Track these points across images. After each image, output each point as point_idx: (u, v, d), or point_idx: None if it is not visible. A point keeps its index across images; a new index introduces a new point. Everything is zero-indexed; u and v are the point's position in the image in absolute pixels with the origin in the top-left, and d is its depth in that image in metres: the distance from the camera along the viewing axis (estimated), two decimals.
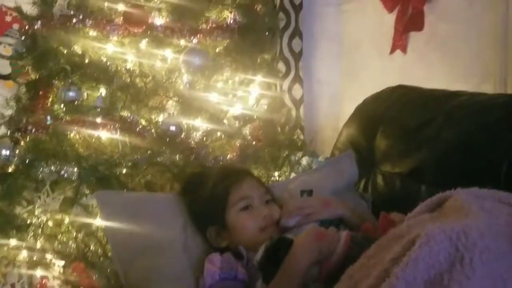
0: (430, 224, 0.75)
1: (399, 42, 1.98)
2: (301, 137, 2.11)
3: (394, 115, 1.50)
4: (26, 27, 1.72)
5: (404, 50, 1.98)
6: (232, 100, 1.75)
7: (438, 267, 0.67)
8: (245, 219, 1.15)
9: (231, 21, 1.70)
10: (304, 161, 1.92)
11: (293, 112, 2.25)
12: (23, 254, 1.71)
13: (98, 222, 1.49)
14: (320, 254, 0.97)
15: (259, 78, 1.82)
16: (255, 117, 1.79)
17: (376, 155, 1.49)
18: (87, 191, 1.52)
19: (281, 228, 1.15)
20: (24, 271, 2.07)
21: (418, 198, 1.19)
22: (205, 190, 1.20)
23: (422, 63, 1.92)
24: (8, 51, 2.44)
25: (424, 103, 1.45)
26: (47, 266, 1.82)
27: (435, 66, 1.86)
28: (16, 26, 2.44)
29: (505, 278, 0.69)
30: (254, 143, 1.77)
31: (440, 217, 0.84)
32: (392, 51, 2.00)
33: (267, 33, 1.90)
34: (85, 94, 1.59)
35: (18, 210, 1.58)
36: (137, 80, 1.61)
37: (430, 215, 0.89)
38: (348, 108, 1.87)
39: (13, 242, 1.64)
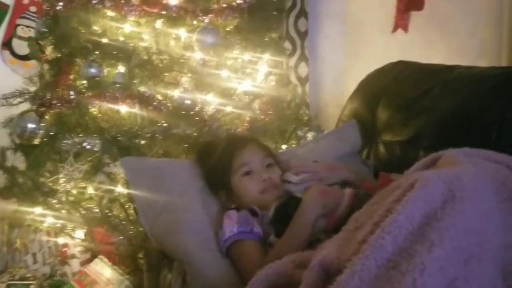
0: (427, 171, 0.86)
1: (401, 21, 2.07)
2: (307, 112, 2.20)
3: (395, 88, 1.60)
4: (48, 8, 1.81)
5: (405, 28, 2.07)
6: (241, 77, 1.85)
7: (433, 204, 0.78)
8: (246, 183, 1.24)
9: (241, 1, 1.79)
10: (310, 135, 2.03)
11: (299, 89, 2.35)
12: (47, 222, 1.83)
13: (120, 188, 1.62)
14: (326, 207, 1.08)
15: (267, 56, 1.91)
16: (263, 93, 1.89)
17: (378, 126, 1.59)
18: (108, 161, 1.63)
19: (284, 187, 1.24)
20: (45, 239, 2.20)
21: None
22: (213, 158, 1.30)
23: (422, 41, 2.01)
24: (25, 33, 2.53)
25: (423, 76, 1.55)
26: (68, 234, 1.95)
27: (434, 43, 1.95)
28: (33, 8, 2.54)
29: (489, 214, 0.81)
30: (262, 117, 1.86)
31: (433, 170, 0.95)
32: (394, 29, 2.09)
33: (274, 13, 1.98)
34: (105, 71, 1.68)
35: (44, 179, 1.70)
36: (154, 57, 1.70)
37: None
38: (352, 86, 1.96)
39: (37, 210, 1.77)
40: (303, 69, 2.42)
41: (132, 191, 1.29)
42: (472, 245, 0.78)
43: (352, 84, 1.96)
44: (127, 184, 1.54)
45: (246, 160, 1.25)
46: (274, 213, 1.14)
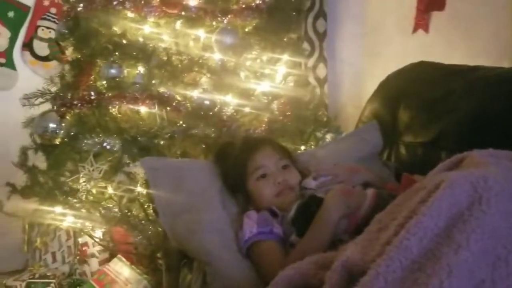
0: (453, 172, 0.85)
1: (421, 22, 2.04)
2: (326, 113, 2.19)
3: (416, 88, 1.58)
4: (68, 10, 1.83)
5: (426, 29, 2.04)
6: (260, 77, 1.85)
7: (459, 205, 0.76)
8: (261, 187, 1.23)
9: (260, 2, 1.79)
10: (329, 136, 2.02)
11: (318, 90, 2.34)
12: (67, 222, 1.85)
13: (140, 188, 1.63)
14: (348, 208, 1.07)
15: (285, 56, 1.91)
16: (281, 93, 1.88)
17: (399, 127, 1.57)
18: (128, 161, 1.65)
19: (301, 190, 1.23)
20: (64, 238, 2.22)
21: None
22: (229, 161, 1.30)
23: (443, 42, 1.98)
24: (46, 34, 2.57)
25: (445, 77, 1.53)
26: (88, 233, 1.96)
27: (456, 44, 1.92)
28: (53, 10, 2.57)
29: None
30: (281, 118, 1.86)
31: (459, 171, 0.93)
32: (414, 30, 2.07)
33: (293, 13, 1.97)
34: (125, 72, 1.70)
35: (64, 179, 1.72)
36: (173, 58, 1.71)
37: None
38: (371, 87, 1.94)
39: (58, 209, 1.79)
40: (321, 70, 2.41)
41: (152, 191, 1.29)
42: (499, 247, 0.76)
43: (371, 85, 1.94)
44: (146, 184, 1.55)
45: (260, 163, 1.25)
46: (296, 213, 1.13)
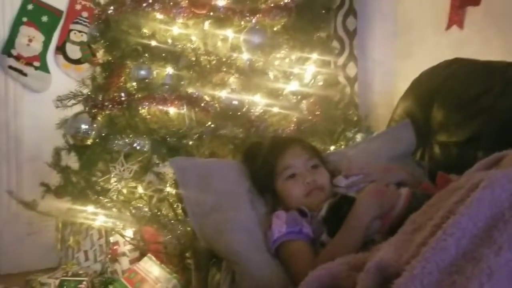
0: (493, 171, 0.81)
1: (456, 18, 1.98)
2: (356, 113, 2.15)
3: (451, 86, 1.53)
4: (99, 13, 1.86)
5: (460, 25, 1.98)
6: (289, 77, 1.83)
7: (500, 205, 0.73)
8: (290, 187, 1.22)
9: (289, 1, 1.77)
10: (359, 136, 1.98)
11: (348, 89, 2.30)
12: (98, 221, 1.88)
13: (169, 188, 1.64)
14: (381, 208, 1.04)
15: (314, 55, 1.88)
16: (311, 93, 1.86)
17: (433, 126, 1.53)
18: (157, 161, 1.66)
19: (334, 190, 1.21)
20: (96, 237, 2.26)
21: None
22: (257, 161, 1.29)
23: (479, 38, 1.91)
24: (78, 37, 2.64)
25: (481, 74, 1.48)
26: (119, 232, 1.99)
27: (492, 40, 1.86)
28: (85, 13, 2.63)
29: None
30: (310, 118, 1.83)
31: (498, 170, 0.89)
32: (449, 26, 2.01)
33: (322, 11, 1.95)
34: (154, 73, 1.71)
35: (96, 179, 1.74)
36: (202, 58, 1.71)
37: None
38: (402, 86, 1.89)
39: (90, 209, 1.81)
40: (351, 69, 2.37)
41: (181, 191, 1.29)
42: None
43: (402, 84, 1.90)
44: (176, 184, 1.55)
45: (289, 163, 1.23)
46: (327, 212, 1.11)
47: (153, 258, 2.03)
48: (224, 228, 1.15)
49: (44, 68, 2.58)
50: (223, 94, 1.68)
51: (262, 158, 1.27)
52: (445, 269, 0.68)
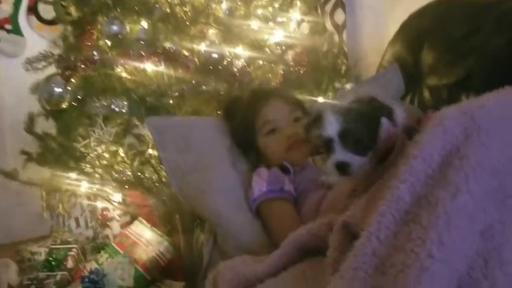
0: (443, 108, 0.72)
1: None
2: (345, 62, 2.07)
3: (440, 27, 1.44)
4: None
5: None
6: (272, 26, 1.73)
7: (454, 141, 0.65)
8: (271, 143, 1.16)
9: None
10: (348, 87, 1.90)
11: (336, 38, 2.20)
12: (83, 187, 1.83)
13: (151, 150, 1.57)
14: None
15: (299, 2, 1.78)
16: (296, 43, 1.77)
17: (422, 70, 1.45)
18: (137, 122, 1.59)
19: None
20: (85, 202, 2.22)
21: None
22: (237, 117, 1.23)
23: None
24: None
25: (471, 13, 1.38)
26: (105, 198, 1.94)
27: None
28: None
29: None
30: (297, 69, 1.76)
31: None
32: None
33: None
34: (127, 28, 1.61)
35: (75, 144, 1.67)
36: (177, 9, 1.61)
37: None
38: (393, 31, 1.79)
39: (73, 175, 1.76)
40: (339, 16, 2.25)
41: (159, 152, 1.23)
42: (507, 185, 0.65)
43: (393, 29, 1.80)
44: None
45: (269, 117, 1.17)
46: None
47: (144, 221, 1.99)
48: (204, 189, 1.10)
49: (17, 31, 2.45)
50: (202, 47, 1.59)
51: (241, 113, 1.20)
52: (401, 219, 0.62)
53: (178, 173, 1.18)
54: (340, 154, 0.78)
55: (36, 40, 2.47)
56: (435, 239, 0.57)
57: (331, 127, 0.79)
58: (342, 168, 0.78)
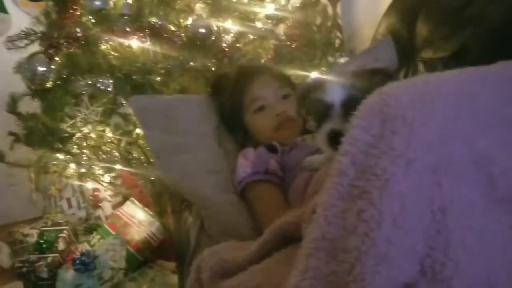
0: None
1: None
2: (339, 35, 2.00)
3: None
4: None
5: None
6: None
7: (394, 104, 0.56)
8: (259, 120, 1.12)
9: None
10: (343, 61, 1.85)
11: (329, 10, 2.12)
12: (72, 168, 1.79)
13: (138, 130, 1.53)
14: None
15: None
16: (288, 16, 1.71)
17: (417, 42, 1.39)
18: (123, 101, 1.54)
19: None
20: (76, 184, 2.18)
21: None
22: (224, 95, 1.18)
23: None
24: None
25: None
26: (96, 178, 1.91)
27: None
28: None
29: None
30: (289, 43, 1.70)
31: None
32: None
33: None
34: (111, 2, 1.55)
35: (62, 124, 1.63)
36: None
37: None
38: (389, 2, 1.73)
39: (60, 156, 1.72)
40: None
41: (143, 131, 1.19)
42: (458, 146, 0.57)
43: (389, 1, 1.73)
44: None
45: (257, 94, 1.12)
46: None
47: (136, 201, 1.97)
48: (190, 170, 1.06)
49: (1, 8, 2.37)
50: (189, 22, 1.53)
51: (229, 90, 1.15)
52: (347, 194, 0.55)
53: (163, 154, 1.14)
54: (337, 123, 0.73)
55: (22, 17, 2.38)
56: (389, 221, 0.51)
57: (336, 93, 0.73)
58: (335, 138, 0.70)
